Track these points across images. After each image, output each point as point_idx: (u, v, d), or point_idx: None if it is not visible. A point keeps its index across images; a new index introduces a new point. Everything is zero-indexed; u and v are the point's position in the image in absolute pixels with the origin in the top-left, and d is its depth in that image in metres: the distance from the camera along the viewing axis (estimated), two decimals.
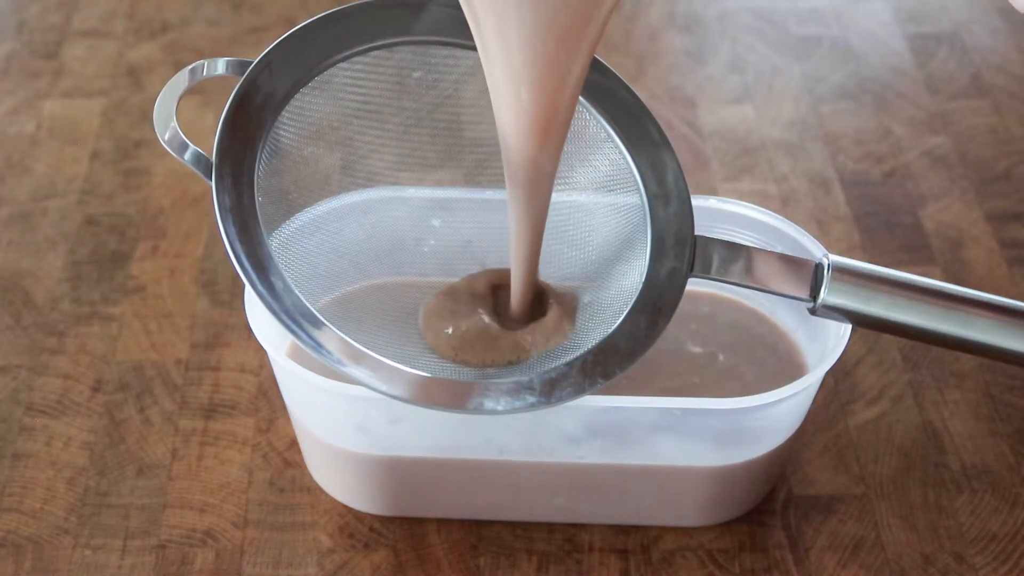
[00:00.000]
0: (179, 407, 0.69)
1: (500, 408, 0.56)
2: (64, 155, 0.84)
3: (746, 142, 0.85)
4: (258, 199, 0.57)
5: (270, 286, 0.56)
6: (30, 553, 0.62)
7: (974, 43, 0.93)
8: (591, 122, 0.62)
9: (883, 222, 0.80)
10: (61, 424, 0.68)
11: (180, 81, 0.59)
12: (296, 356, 0.60)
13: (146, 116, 0.86)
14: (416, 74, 0.62)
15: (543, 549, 0.63)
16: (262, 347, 0.60)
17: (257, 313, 0.60)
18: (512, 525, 0.64)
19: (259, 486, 0.65)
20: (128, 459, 0.66)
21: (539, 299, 0.63)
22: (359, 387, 0.56)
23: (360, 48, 0.61)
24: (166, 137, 0.57)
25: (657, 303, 0.58)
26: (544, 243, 0.62)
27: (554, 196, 0.63)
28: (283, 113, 0.59)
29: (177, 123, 0.58)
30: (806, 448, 0.67)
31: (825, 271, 0.59)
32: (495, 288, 0.64)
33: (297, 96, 0.60)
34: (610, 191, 0.62)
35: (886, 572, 0.62)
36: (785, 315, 0.68)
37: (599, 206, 0.63)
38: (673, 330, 0.58)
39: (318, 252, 0.62)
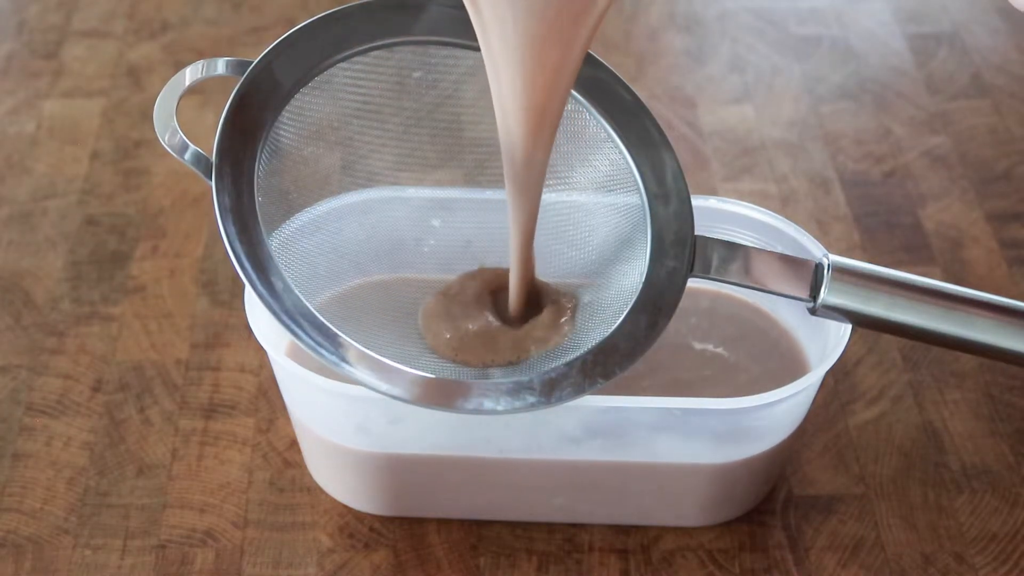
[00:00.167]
0: (179, 407, 0.69)
1: (500, 408, 0.56)
2: (64, 155, 0.84)
3: (746, 142, 0.85)
4: (258, 199, 0.57)
5: (270, 286, 0.56)
6: (30, 553, 0.62)
7: (974, 43, 0.94)
8: (591, 122, 0.62)
9: (883, 222, 0.80)
10: (61, 424, 0.68)
11: (180, 81, 0.59)
12: (296, 356, 0.60)
13: (146, 116, 0.86)
14: (416, 74, 0.62)
15: (543, 549, 0.63)
16: (262, 347, 0.60)
17: (257, 313, 0.60)
18: (512, 525, 0.64)
19: (259, 486, 0.65)
20: (128, 459, 0.66)
21: (539, 299, 0.63)
22: (359, 387, 0.56)
23: (360, 48, 0.61)
24: (166, 137, 0.57)
25: (657, 303, 0.58)
26: (544, 243, 0.62)
27: (554, 196, 0.63)
28: (283, 113, 0.59)
29: (177, 123, 0.58)
30: (806, 448, 0.67)
31: (825, 271, 0.59)
32: (495, 288, 0.64)
33: (297, 96, 0.59)
34: (610, 191, 0.62)
35: (886, 572, 0.62)
36: (787, 312, 0.68)
37: (599, 206, 0.63)
38: (673, 325, 0.58)
39: (318, 252, 0.62)
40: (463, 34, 0.60)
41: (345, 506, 0.64)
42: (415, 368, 0.57)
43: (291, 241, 0.60)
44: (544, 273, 0.63)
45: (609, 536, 0.63)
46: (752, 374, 0.66)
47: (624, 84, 0.62)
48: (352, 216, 0.65)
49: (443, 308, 0.63)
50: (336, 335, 0.56)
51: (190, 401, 0.69)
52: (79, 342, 0.72)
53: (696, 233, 0.60)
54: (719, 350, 0.67)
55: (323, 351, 0.56)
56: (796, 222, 0.66)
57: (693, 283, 0.60)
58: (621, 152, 0.62)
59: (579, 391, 0.57)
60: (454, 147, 0.64)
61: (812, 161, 0.84)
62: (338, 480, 0.64)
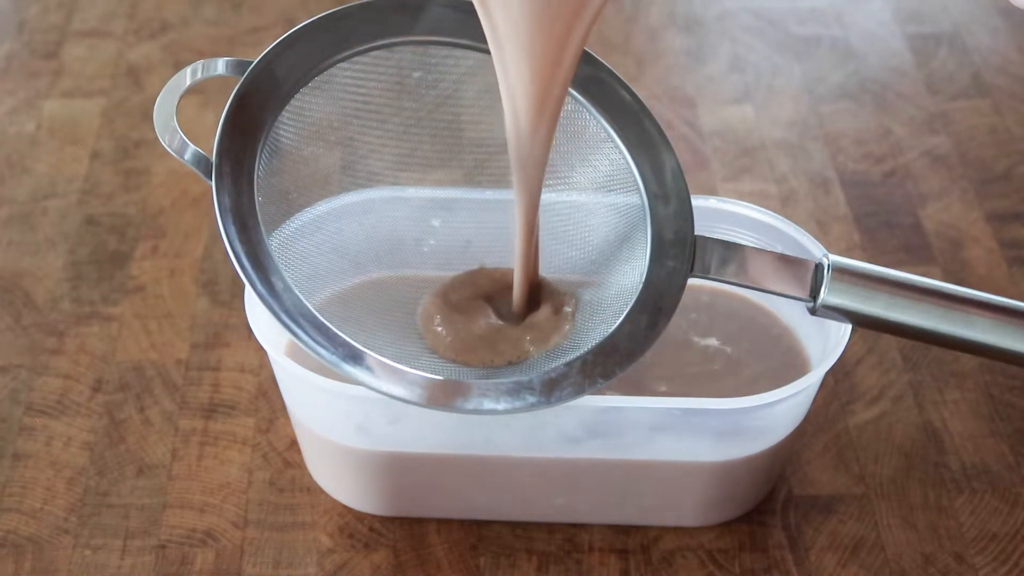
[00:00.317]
0: (179, 407, 0.69)
1: (500, 408, 0.56)
2: (64, 155, 0.84)
3: (746, 142, 0.85)
4: (258, 199, 0.57)
5: (270, 286, 0.56)
6: (30, 553, 0.62)
7: (974, 43, 0.94)
8: (591, 122, 0.62)
9: (883, 222, 0.80)
10: (61, 424, 0.68)
11: (180, 81, 0.59)
12: (296, 356, 0.60)
13: (146, 116, 0.86)
14: (416, 74, 0.62)
15: (543, 549, 0.63)
16: (262, 347, 0.60)
17: (257, 313, 0.60)
18: (512, 525, 0.64)
19: (259, 486, 0.65)
20: (128, 459, 0.66)
21: (539, 298, 0.63)
22: (359, 387, 0.56)
23: (360, 48, 0.61)
24: (166, 137, 0.57)
25: (657, 303, 0.58)
26: (544, 243, 0.62)
27: (554, 196, 0.63)
28: (283, 113, 0.59)
29: (177, 123, 0.58)
30: (806, 448, 0.67)
31: (825, 271, 0.59)
32: (495, 288, 0.64)
33: (297, 96, 0.60)
34: (610, 191, 0.62)
35: (886, 572, 0.62)
36: (787, 308, 0.68)
37: (599, 206, 0.63)
38: (673, 321, 0.58)
39: (318, 252, 0.62)
40: (463, 34, 0.60)
41: (345, 506, 0.64)
42: (415, 368, 0.57)
43: (291, 241, 0.60)
44: (544, 273, 0.63)
45: (609, 536, 0.63)
46: (754, 370, 0.66)
47: (624, 84, 0.62)
48: (352, 216, 0.65)
49: (443, 308, 0.63)
50: (336, 335, 0.56)
51: (190, 401, 0.69)
52: (79, 342, 0.72)
53: (696, 233, 0.60)
54: (720, 346, 0.67)
55: (323, 351, 0.56)
56: (796, 222, 0.66)
57: (694, 280, 0.60)
58: (621, 152, 0.62)
59: (579, 391, 0.57)
60: (454, 147, 0.64)
61: (812, 161, 0.84)
62: (338, 480, 0.64)
